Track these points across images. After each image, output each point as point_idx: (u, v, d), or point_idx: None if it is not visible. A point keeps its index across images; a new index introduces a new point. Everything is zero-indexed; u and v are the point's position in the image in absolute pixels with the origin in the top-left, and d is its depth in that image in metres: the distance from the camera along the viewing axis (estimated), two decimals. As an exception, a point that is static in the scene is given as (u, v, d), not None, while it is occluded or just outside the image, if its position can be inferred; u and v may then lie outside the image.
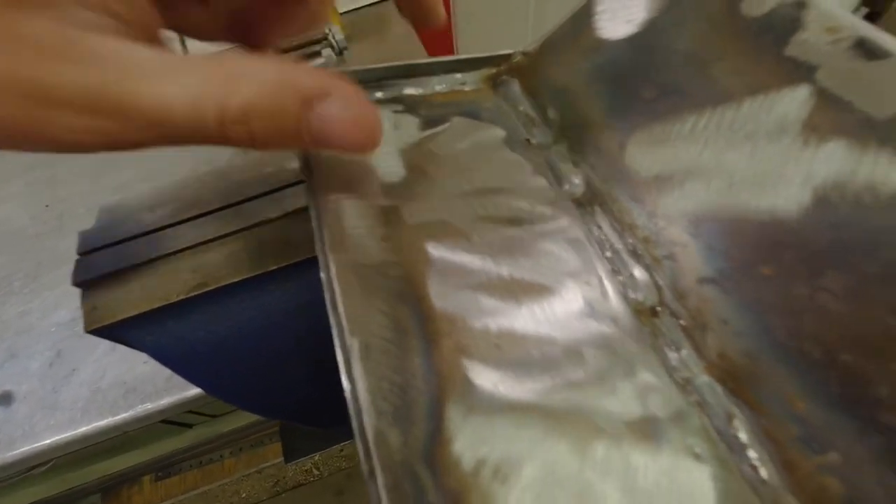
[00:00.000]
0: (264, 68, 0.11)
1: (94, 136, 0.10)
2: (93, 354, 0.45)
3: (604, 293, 0.15)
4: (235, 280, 0.20)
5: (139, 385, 0.43)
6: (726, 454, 0.12)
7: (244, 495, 1.06)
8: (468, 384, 0.12)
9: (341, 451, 1.11)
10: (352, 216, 0.15)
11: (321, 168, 0.16)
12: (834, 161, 0.12)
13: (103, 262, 0.20)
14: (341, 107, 0.12)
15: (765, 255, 0.13)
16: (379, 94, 0.19)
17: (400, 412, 0.11)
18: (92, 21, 0.11)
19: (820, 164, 0.13)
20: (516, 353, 0.13)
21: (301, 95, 0.11)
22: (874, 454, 0.11)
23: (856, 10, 0.95)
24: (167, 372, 0.45)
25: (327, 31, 0.45)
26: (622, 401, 0.13)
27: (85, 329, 0.19)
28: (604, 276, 0.15)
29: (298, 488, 1.08)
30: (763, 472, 0.12)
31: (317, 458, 1.11)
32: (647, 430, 0.12)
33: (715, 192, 0.14)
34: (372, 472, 0.11)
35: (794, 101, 0.13)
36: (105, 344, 0.46)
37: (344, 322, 0.12)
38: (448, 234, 0.15)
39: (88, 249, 0.20)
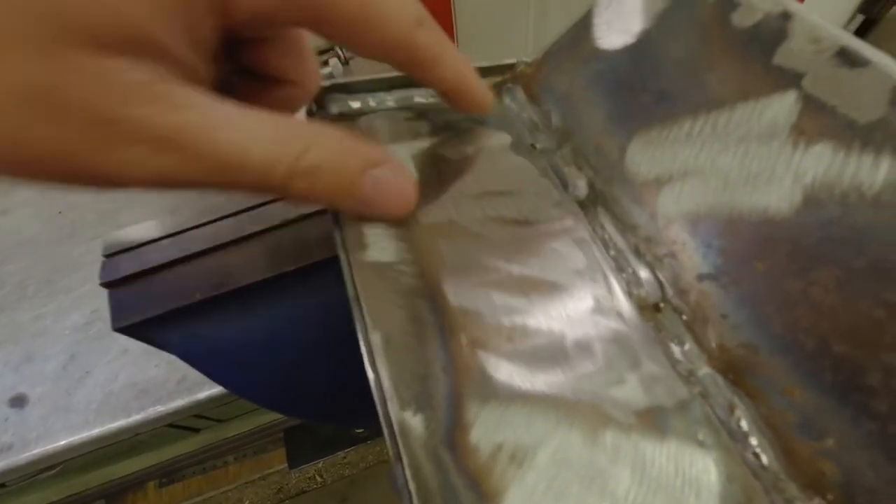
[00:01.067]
0: (335, 134, 0.13)
1: (163, 174, 0.11)
2: (106, 357, 0.46)
3: (609, 290, 0.16)
4: (255, 280, 0.21)
5: (151, 388, 0.44)
6: (729, 442, 0.13)
7: (247, 502, 1.06)
8: (484, 375, 0.13)
9: (345, 458, 1.11)
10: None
11: None
12: (821, 162, 0.13)
13: (128, 264, 0.21)
14: (393, 176, 0.14)
15: (759, 252, 0.14)
16: (390, 102, 0.20)
17: (421, 400, 0.12)
18: (173, 71, 0.11)
19: (808, 164, 0.14)
20: (528, 346, 0.14)
21: (363, 160, 0.13)
22: (867, 439, 0.12)
23: (852, 18, 0.97)
24: (179, 374, 0.45)
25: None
26: (629, 391, 0.13)
27: (112, 327, 0.20)
28: (609, 273, 0.16)
29: (301, 495, 1.08)
30: (764, 459, 0.13)
31: (320, 464, 1.11)
32: (653, 418, 0.13)
33: (711, 192, 0.15)
34: (398, 455, 0.11)
35: (783, 106, 0.14)
36: (117, 347, 0.46)
37: (366, 316, 0.13)
38: (460, 233, 0.16)
39: (113, 252, 0.21)
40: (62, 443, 0.42)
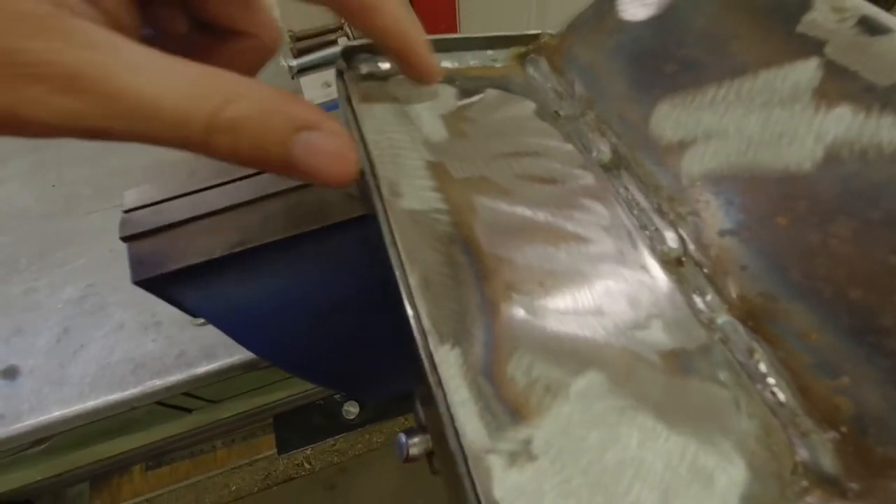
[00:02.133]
0: (262, 90, 0.11)
1: (65, 117, 0.10)
2: (101, 331, 0.45)
3: (634, 245, 0.16)
4: (274, 239, 0.21)
5: (148, 362, 0.43)
6: (748, 382, 0.14)
7: (234, 488, 1.05)
8: (518, 315, 0.13)
9: (333, 445, 1.11)
10: (405, 169, 0.16)
11: (369, 124, 0.17)
12: (842, 123, 0.14)
13: (147, 219, 0.21)
14: (326, 139, 0.12)
15: (780, 207, 0.15)
16: (418, 66, 0.21)
17: (460, 335, 0.13)
18: (87, 11, 0.10)
19: (830, 125, 0.14)
20: (558, 290, 0.14)
21: (293, 122, 0.12)
22: (880, 375, 0.12)
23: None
24: (176, 350, 0.45)
25: (342, 20, 0.46)
26: (654, 334, 0.14)
27: (132, 280, 0.20)
28: (633, 230, 0.17)
29: (289, 482, 1.08)
30: (781, 396, 0.13)
31: (308, 451, 1.11)
32: (677, 359, 0.14)
33: (734, 153, 0.16)
34: (438, 384, 0.12)
35: (806, 71, 0.15)
36: (113, 322, 0.46)
37: (404, 257, 0.14)
38: (490, 188, 0.16)
39: (133, 207, 0.21)
40: (55, 414, 0.42)
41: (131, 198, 0.22)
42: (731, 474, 0.12)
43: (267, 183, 0.23)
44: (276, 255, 0.22)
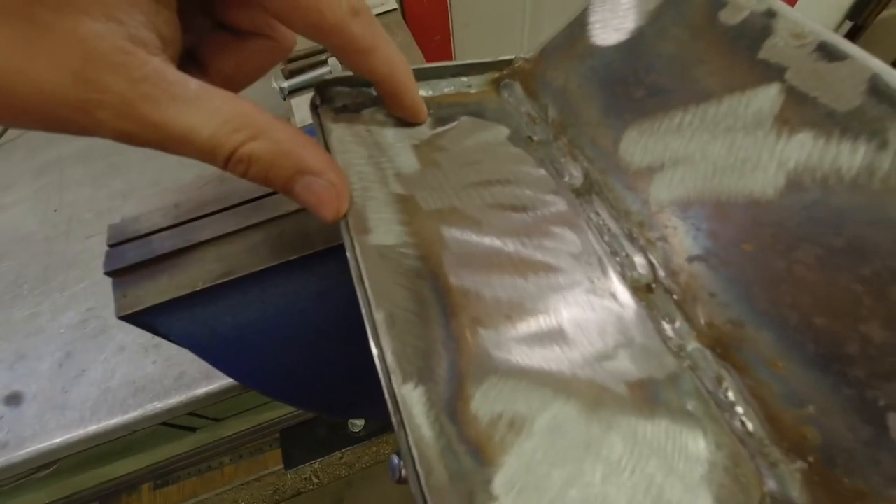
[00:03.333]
0: (281, 132, 0.14)
1: (122, 135, 0.13)
2: (102, 354, 0.46)
3: (604, 272, 0.16)
4: (258, 269, 0.21)
5: (148, 384, 0.44)
6: (716, 411, 0.14)
7: (243, 504, 1.05)
8: (484, 351, 0.14)
9: (341, 458, 1.11)
10: (375, 203, 0.16)
11: (341, 158, 0.17)
12: (804, 149, 0.14)
13: (132, 253, 0.21)
14: (323, 187, 0.15)
15: (746, 234, 0.15)
16: (392, 96, 0.21)
17: (424, 373, 0.13)
18: (146, 37, 0.13)
19: (791, 151, 0.14)
20: (526, 324, 0.14)
21: (298, 167, 0.14)
22: (846, 404, 0.12)
23: (840, 24, 0.99)
24: (176, 371, 0.46)
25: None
26: (622, 364, 0.14)
27: (116, 315, 0.20)
28: (603, 257, 0.17)
29: (297, 496, 1.08)
30: (750, 426, 0.13)
31: (316, 465, 1.11)
32: (645, 390, 0.14)
33: (700, 179, 0.16)
34: (401, 423, 0.12)
35: (768, 97, 0.15)
36: (114, 344, 0.46)
37: (370, 295, 0.14)
38: (460, 219, 0.17)
39: (118, 241, 0.22)
40: (58, 440, 0.42)
41: (115, 231, 0.22)
42: (701, 498, 0.12)
43: (251, 213, 0.23)
44: (261, 285, 0.22)
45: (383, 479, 1.10)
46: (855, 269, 0.13)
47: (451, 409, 0.12)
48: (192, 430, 0.62)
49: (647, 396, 0.14)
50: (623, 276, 0.16)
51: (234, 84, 0.17)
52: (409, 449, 0.12)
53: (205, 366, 0.45)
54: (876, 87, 0.13)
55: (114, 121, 0.12)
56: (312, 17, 0.14)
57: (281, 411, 0.71)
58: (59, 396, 0.44)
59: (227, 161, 0.14)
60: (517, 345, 0.14)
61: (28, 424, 0.43)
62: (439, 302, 0.14)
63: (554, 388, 0.13)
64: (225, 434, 0.66)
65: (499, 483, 0.11)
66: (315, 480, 1.10)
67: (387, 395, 0.12)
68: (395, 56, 0.17)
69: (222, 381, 0.44)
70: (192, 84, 0.13)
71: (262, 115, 0.14)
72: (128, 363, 0.45)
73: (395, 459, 0.30)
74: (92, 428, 0.43)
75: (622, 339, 0.15)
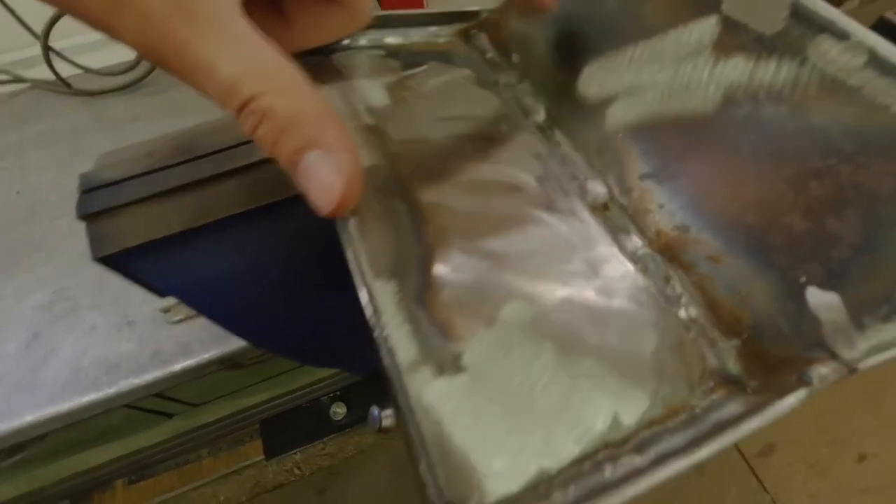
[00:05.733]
0: (305, 99, 0.13)
1: (137, 39, 0.12)
2: (72, 334, 0.44)
3: (565, 192, 0.18)
4: (233, 213, 0.22)
5: (122, 362, 0.43)
6: (664, 304, 0.15)
7: (222, 498, 1.03)
8: (452, 254, 0.15)
9: (323, 449, 1.11)
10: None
11: None
12: (737, 70, 0.16)
13: (106, 198, 0.21)
14: (325, 169, 0.13)
15: (689, 149, 0.16)
16: (363, 41, 0.22)
17: (395, 270, 0.14)
18: None
19: (727, 73, 0.16)
20: (492, 233, 0.15)
21: (304, 138, 0.12)
22: (773, 287, 0.14)
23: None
24: (151, 348, 0.45)
25: None
26: (581, 268, 0.15)
27: (92, 257, 0.20)
28: (564, 180, 0.18)
29: (280, 488, 1.07)
30: (693, 313, 0.15)
31: (298, 456, 1.10)
32: (600, 286, 0.15)
33: (650, 105, 0.17)
34: (375, 311, 0.13)
35: (707, 27, 0.17)
36: (84, 324, 0.45)
37: (344, 207, 0.15)
38: (429, 147, 0.18)
39: (91, 187, 0.22)
40: (27, 419, 0.41)
41: (88, 178, 0.22)
42: (643, 380, 0.13)
43: (225, 160, 0.24)
44: (235, 229, 0.22)
45: (367, 468, 1.10)
46: (780, 171, 0.14)
47: (421, 297, 0.13)
48: (169, 415, 0.61)
49: (602, 290, 0.15)
50: (582, 197, 0.18)
51: (307, 39, 0.17)
52: (382, 332, 0.12)
53: (182, 341, 0.45)
54: (797, 11, 0.15)
55: (137, 23, 0.11)
56: None
57: (259, 397, 0.70)
58: (26, 377, 0.43)
59: (241, 109, 0.12)
60: (484, 251, 0.15)
61: (-6, 406, 0.41)
62: (410, 214, 0.15)
63: (516, 287, 0.14)
64: (203, 421, 0.66)
65: (465, 359, 0.12)
66: (297, 472, 1.09)
67: (361, 290, 0.13)
68: None
69: (199, 356, 0.44)
70: (240, 25, 0.12)
71: (294, 74, 0.13)
72: (100, 342, 0.44)
73: (375, 411, 0.31)
74: (64, 406, 0.42)
75: (581, 248, 0.16)
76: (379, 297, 0.13)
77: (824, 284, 0.13)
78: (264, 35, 0.13)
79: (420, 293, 0.13)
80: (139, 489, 0.87)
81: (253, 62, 0.12)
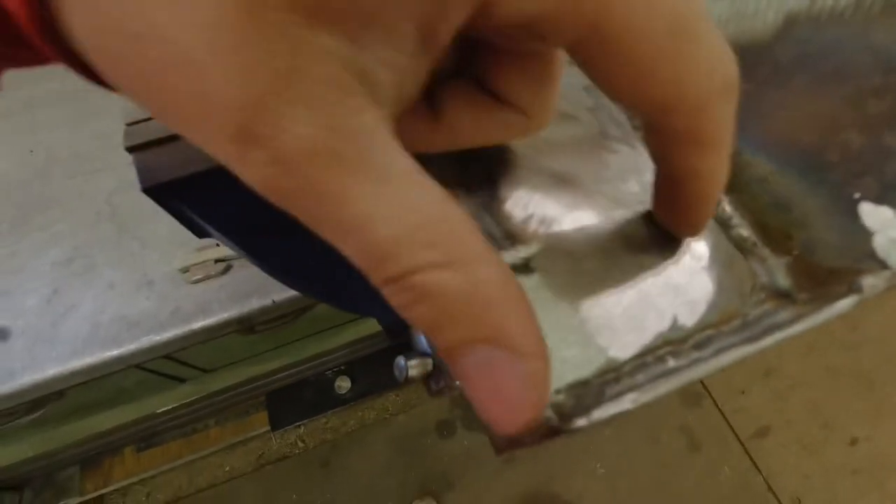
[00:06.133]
0: (488, 268, 0.09)
1: (263, 179, 0.08)
2: (91, 291, 0.45)
3: (616, 122, 0.18)
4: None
5: (143, 319, 0.44)
6: (714, 224, 0.16)
7: (228, 468, 1.05)
8: (514, 168, 0.15)
9: (327, 422, 1.12)
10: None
11: None
12: None
13: (153, 130, 0.21)
14: (514, 378, 0.09)
15: (743, 75, 0.16)
16: None
17: (462, 182, 0.14)
18: (374, 76, 0.09)
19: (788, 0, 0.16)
20: (549, 153, 0.16)
21: (489, 333, 0.09)
22: (826, 204, 0.14)
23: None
24: (171, 306, 0.45)
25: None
26: (634, 187, 0.16)
27: (141, 188, 0.21)
28: (615, 110, 0.18)
29: (283, 460, 1.09)
30: (744, 232, 0.15)
31: (301, 429, 1.12)
32: None
33: None
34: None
35: None
36: (103, 281, 0.46)
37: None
38: None
39: (136, 120, 0.22)
40: (51, 372, 0.42)
41: (133, 113, 0.22)
42: (702, 284, 0.14)
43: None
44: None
45: (369, 442, 1.12)
46: (838, 90, 0.15)
47: (488, 207, 0.14)
48: (182, 380, 0.61)
49: None
50: (635, 127, 0.18)
51: (458, 140, 0.13)
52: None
53: (200, 300, 0.45)
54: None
55: (267, 169, 0.08)
56: (667, 93, 0.10)
57: (269, 365, 0.71)
58: (48, 331, 0.43)
59: (392, 280, 0.09)
60: (544, 168, 0.15)
61: (17, 358, 0.42)
62: None
63: (578, 200, 0.15)
64: (214, 388, 0.66)
65: (535, 263, 0.13)
66: (301, 444, 1.11)
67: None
68: (726, 160, 0.12)
69: (219, 315, 0.44)
70: (401, 162, 0.09)
71: (471, 233, 0.09)
72: (119, 299, 0.44)
73: (402, 361, 0.32)
74: (86, 360, 0.42)
75: (636, 172, 0.16)
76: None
77: (879, 199, 0.13)
78: (419, 167, 0.09)
79: (487, 203, 0.14)
80: (148, 456, 0.89)
81: (416, 214, 0.09)
